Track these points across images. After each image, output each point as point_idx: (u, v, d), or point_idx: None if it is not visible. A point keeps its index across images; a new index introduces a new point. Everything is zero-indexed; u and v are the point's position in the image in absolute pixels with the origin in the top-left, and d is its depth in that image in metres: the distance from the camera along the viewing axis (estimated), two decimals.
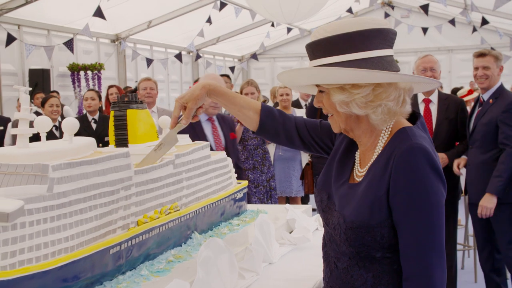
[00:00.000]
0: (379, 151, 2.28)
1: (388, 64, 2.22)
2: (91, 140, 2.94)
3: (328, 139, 2.67)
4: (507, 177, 5.62)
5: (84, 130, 7.78)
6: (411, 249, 2.14)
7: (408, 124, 2.31)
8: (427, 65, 6.17)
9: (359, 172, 2.36)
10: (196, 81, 7.59)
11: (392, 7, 18.92)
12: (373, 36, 2.21)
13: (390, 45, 2.27)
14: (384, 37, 2.23)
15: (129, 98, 3.26)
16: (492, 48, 14.94)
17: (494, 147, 5.76)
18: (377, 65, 2.20)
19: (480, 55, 5.93)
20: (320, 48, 2.27)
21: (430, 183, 2.12)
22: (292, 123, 2.75)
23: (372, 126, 2.31)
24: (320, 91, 2.36)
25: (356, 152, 2.43)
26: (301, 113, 8.95)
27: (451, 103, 6.22)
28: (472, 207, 6.06)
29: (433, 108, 6.21)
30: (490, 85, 5.89)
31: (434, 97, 6.24)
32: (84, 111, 8.51)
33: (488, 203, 5.67)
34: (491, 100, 5.87)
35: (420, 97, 6.27)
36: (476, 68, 5.95)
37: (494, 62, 5.85)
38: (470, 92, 11.14)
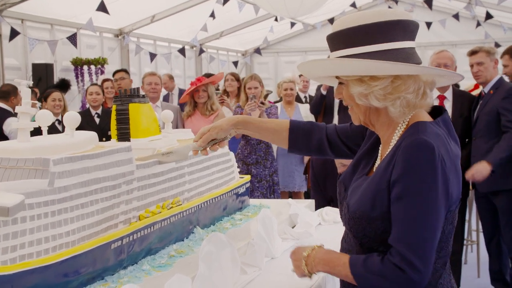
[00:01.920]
0: (393, 144, 2.27)
1: (408, 56, 2.21)
2: (93, 134, 2.93)
3: (361, 139, 2.65)
4: (506, 155, 5.65)
5: (87, 124, 7.76)
6: (393, 241, 2.11)
7: (426, 118, 2.28)
8: (441, 61, 6.20)
9: (376, 166, 2.37)
10: (198, 79, 7.55)
11: (396, 2, 18.82)
12: (393, 27, 2.20)
13: (411, 37, 2.26)
14: (404, 29, 2.22)
15: (131, 92, 3.25)
16: (496, 43, 14.91)
17: (497, 135, 5.81)
18: (396, 57, 2.19)
19: (473, 53, 6.11)
20: (339, 40, 2.27)
21: (426, 181, 2.08)
22: (323, 133, 2.77)
23: (390, 119, 2.30)
24: (340, 83, 2.36)
25: (380, 148, 2.44)
26: (304, 107, 8.93)
27: (465, 100, 6.23)
28: (480, 199, 6.08)
29: (448, 105, 6.21)
30: (488, 79, 6.02)
31: (449, 94, 6.24)
32: (88, 106, 8.50)
33: (482, 169, 5.66)
34: (491, 91, 5.99)
35: (435, 93, 6.25)
36: (471, 66, 6.11)
37: (487, 56, 6.00)
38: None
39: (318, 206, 5.09)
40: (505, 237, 6.06)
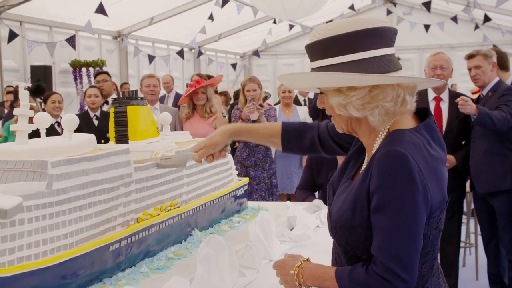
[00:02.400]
0: (374, 152, 2.26)
1: (386, 64, 2.19)
2: (91, 137, 2.93)
3: (351, 137, 2.64)
4: (492, 118, 5.59)
5: (86, 126, 7.74)
6: (375, 252, 2.12)
7: (407, 125, 2.26)
8: (437, 63, 6.22)
9: (361, 171, 2.37)
10: (197, 81, 7.54)
11: (395, 4, 18.86)
12: (369, 36, 2.18)
13: (389, 44, 2.24)
14: (381, 36, 2.20)
15: (129, 94, 3.25)
16: (494, 45, 14.92)
17: (496, 137, 5.84)
18: (374, 66, 2.17)
19: (470, 56, 6.14)
20: (317, 50, 2.26)
21: (403, 191, 2.08)
22: (314, 133, 2.79)
23: (371, 127, 2.28)
24: (321, 93, 2.35)
25: (365, 154, 2.43)
26: (302, 110, 8.92)
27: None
28: (477, 201, 6.10)
29: (444, 106, 6.23)
30: (486, 82, 6.05)
31: (445, 96, 6.25)
32: (86, 108, 8.50)
33: (471, 106, 5.61)
34: (489, 93, 6.02)
35: (431, 95, 6.27)
36: (469, 69, 6.14)
37: (484, 60, 6.02)
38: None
39: (305, 188, 5.10)
40: (503, 239, 6.06)
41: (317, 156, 4.92)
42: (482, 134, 5.92)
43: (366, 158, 2.40)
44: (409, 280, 2.08)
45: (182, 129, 7.47)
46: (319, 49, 2.24)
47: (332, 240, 2.50)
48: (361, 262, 2.19)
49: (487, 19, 14.09)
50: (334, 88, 2.23)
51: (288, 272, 2.38)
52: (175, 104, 9.31)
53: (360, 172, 2.35)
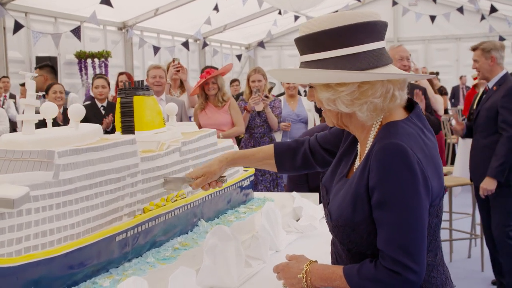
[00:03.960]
0: (369, 145, 2.25)
1: (376, 58, 2.18)
2: (97, 127, 2.93)
3: (340, 141, 2.65)
4: (505, 161, 5.75)
5: (94, 116, 7.79)
6: (382, 247, 2.12)
7: (399, 116, 2.26)
8: (403, 54, 6.33)
9: (356, 167, 2.36)
10: (207, 71, 7.55)
11: None
12: (359, 30, 2.16)
13: (379, 38, 2.22)
14: (371, 30, 2.18)
15: (135, 84, 3.25)
16: (500, 37, 14.86)
17: (496, 132, 5.89)
18: (364, 60, 2.15)
19: (472, 49, 6.21)
20: (306, 44, 2.25)
21: (404, 184, 2.08)
22: (306, 147, 2.82)
23: (362, 122, 2.28)
24: (311, 86, 2.37)
25: (358, 145, 2.42)
26: (307, 101, 8.90)
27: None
28: (477, 191, 6.13)
29: None
30: (486, 75, 6.10)
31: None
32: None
33: (488, 186, 5.85)
34: (494, 87, 6.04)
35: None
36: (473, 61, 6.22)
37: (482, 55, 6.07)
38: None
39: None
40: (494, 233, 6.10)
41: None
42: (483, 128, 6.00)
43: (359, 152, 2.39)
44: (419, 271, 2.09)
45: (197, 121, 7.48)
46: (309, 43, 2.23)
47: (332, 239, 2.50)
48: (368, 258, 2.19)
49: (493, 9, 14.02)
50: (323, 83, 2.22)
51: (294, 276, 2.37)
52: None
53: (355, 168, 2.35)
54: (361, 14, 2.19)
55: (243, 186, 3.95)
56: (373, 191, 2.13)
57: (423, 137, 2.22)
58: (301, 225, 3.69)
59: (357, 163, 2.37)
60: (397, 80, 2.21)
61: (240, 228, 3.39)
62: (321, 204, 4.13)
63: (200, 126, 6.80)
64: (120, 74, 9.90)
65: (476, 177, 6.11)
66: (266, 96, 7.65)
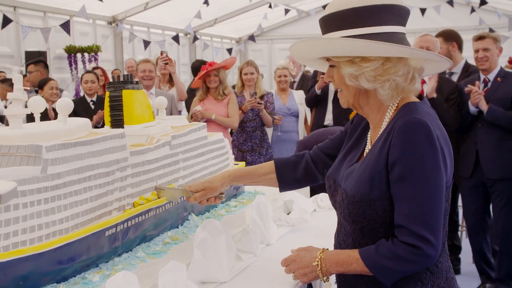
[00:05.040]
0: (384, 127, 2.29)
1: (399, 41, 2.24)
2: (86, 121, 2.90)
3: (341, 142, 2.68)
4: (502, 117, 5.81)
5: (84, 111, 7.79)
6: (402, 221, 2.14)
7: (415, 100, 2.31)
8: (423, 44, 6.24)
9: (366, 151, 2.38)
10: (210, 63, 7.50)
11: None
12: (385, 11, 2.22)
13: (402, 23, 2.28)
14: (395, 14, 2.24)
15: (124, 78, 3.22)
16: (490, 29, 14.88)
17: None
18: (388, 40, 2.20)
19: (480, 38, 6.10)
20: (332, 22, 2.29)
21: (427, 158, 2.12)
22: (307, 157, 2.85)
23: (380, 102, 2.33)
24: (331, 66, 2.38)
25: (368, 134, 2.46)
26: (298, 94, 8.89)
27: (444, 83, 6.22)
28: (474, 189, 6.10)
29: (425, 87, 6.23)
30: (492, 66, 6.05)
31: (427, 78, 6.24)
32: (82, 93, 8.48)
33: (482, 102, 5.83)
34: (499, 79, 6.00)
35: None
36: (476, 51, 6.11)
37: (494, 43, 6.03)
38: None
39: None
40: (500, 222, 6.09)
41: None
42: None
43: (369, 137, 2.41)
44: (436, 245, 2.13)
45: (178, 114, 7.47)
46: (335, 20, 2.27)
47: (335, 233, 2.51)
48: (383, 239, 2.21)
49: (483, 2, 14.03)
50: (347, 59, 2.26)
51: (308, 265, 2.39)
52: None
53: (367, 151, 2.36)
54: None
55: None
56: (393, 166, 2.16)
57: (437, 121, 2.28)
58: (292, 218, 3.68)
59: (367, 148, 2.40)
60: (416, 65, 2.28)
61: (231, 221, 3.38)
62: (312, 197, 4.15)
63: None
64: (95, 68, 9.95)
65: (488, 170, 6.01)
66: (260, 103, 7.66)
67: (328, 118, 8.04)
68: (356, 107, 2.41)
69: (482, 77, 6.10)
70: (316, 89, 8.03)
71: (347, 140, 2.60)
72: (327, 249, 2.40)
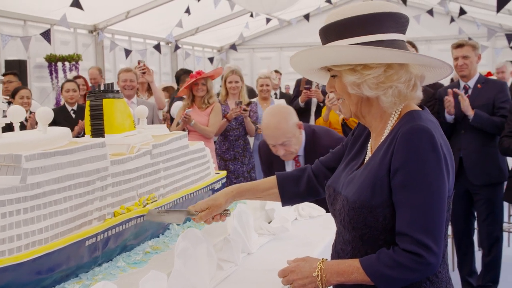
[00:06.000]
0: (386, 134, 2.30)
1: (400, 48, 2.25)
2: (66, 130, 2.90)
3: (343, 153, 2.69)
4: (487, 122, 5.84)
5: (65, 120, 7.74)
6: (404, 229, 2.13)
7: (417, 108, 2.33)
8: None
9: (367, 159, 2.38)
10: (198, 72, 7.47)
11: None
12: (385, 19, 2.24)
13: (402, 30, 2.30)
14: (396, 21, 2.26)
15: (105, 87, 3.22)
16: (469, 38, 15.01)
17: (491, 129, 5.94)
18: (390, 47, 2.21)
19: (459, 45, 6.16)
20: (332, 31, 2.29)
21: (430, 165, 2.13)
22: (309, 172, 2.84)
23: (382, 110, 2.33)
24: (332, 76, 2.38)
25: (369, 143, 2.46)
26: (279, 103, 8.91)
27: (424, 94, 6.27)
28: (456, 197, 6.13)
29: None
30: (471, 73, 6.12)
31: None
32: (62, 102, 8.44)
33: (468, 106, 5.85)
34: (479, 85, 6.07)
35: None
36: (456, 59, 6.17)
37: (472, 51, 6.09)
38: (489, 74, 11.70)
39: None
40: (483, 231, 6.14)
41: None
42: (474, 126, 5.95)
43: (370, 146, 2.42)
44: (438, 253, 2.13)
45: (159, 123, 7.45)
46: (336, 29, 2.28)
47: (333, 243, 2.50)
48: (384, 247, 2.20)
49: (462, 12, 14.17)
50: (349, 68, 2.26)
51: (307, 275, 2.35)
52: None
53: (367, 159, 2.38)
54: (388, 5, 2.27)
55: (215, 188, 3.94)
56: (396, 172, 2.16)
57: (440, 129, 2.29)
58: (273, 227, 3.68)
59: (368, 156, 2.41)
60: (417, 73, 2.29)
61: (212, 230, 3.38)
62: (294, 206, 4.15)
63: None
64: (77, 77, 9.86)
65: (473, 177, 6.03)
66: (245, 110, 7.66)
67: None
68: (358, 116, 2.41)
69: (462, 84, 6.15)
70: (300, 102, 8.05)
71: (348, 151, 2.59)
72: (326, 259, 2.39)
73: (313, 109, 8.05)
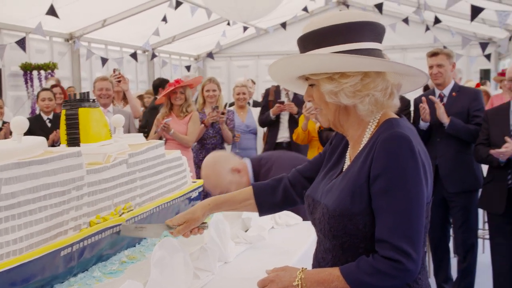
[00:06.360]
0: (365, 142, 2.32)
1: (378, 56, 2.27)
2: (42, 140, 2.88)
3: (321, 162, 2.69)
4: (463, 130, 5.91)
5: (40, 129, 7.68)
6: (383, 235, 2.15)
7: (395, 116, 2.35)
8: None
9: (345, 167, 2.39)
10: (177, 81, 7.44)
11: (347, 6, 19.05)
12: (362, 28, 2.26)
13: (378, 39, 2.33)
14: (372, 30, 2.29)
15: (81, 96, 3.21)
16: (444, 47, 15.16)
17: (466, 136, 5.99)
18: (367, 56, 2.24)
19: (433, 54, 6.23)
20: (311, 40, 2.31)
21: (409, 172, 2.14)
22: (285, 181, 2.84)
23: (360, 119, 2.35)
24: (310, 85, 2.40)
25: (347, 152, 2.47)
26: (256, 111, 8.93)
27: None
28: (449, 198, 6.16)
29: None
30: (446, 81, 6.19)
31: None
32: (38, 111, 8.37)
33: (444, 114, 5.91)
34: (454, 93, 6.14)
35: None
36: (431, 67, 6.23)
37: (447, 59, 6.15)
38: (478, 85, 11.97)
39: None
40: (459, 238, 6.19)
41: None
42: (450, 134, 6.00)
43: (348, 154, 2.43)
44: (417, 259, 2.14)
45: (136, 132, 7.42)
46: (314, 39, 2.30)
47: (314, 252, 2.50)
48: (364, 255, 2.21)
49: (437, 21, 14.28)
50: (326, 76, 2.28)
51: (288, 285, 2.32)
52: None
53: (346, 167, 2.39)
54: (364, 14, 2.31)
55: (192, 197, 3.93)
56: (375, 179, 2.17)
57: (418, 137, 2.31)
58: (249, 235, 3.68)
59: (346, 165, 2.42)
60: (394, 81, 2.31)
61: (189, 240, 3.36)
62: (270, 215, 4.15)
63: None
64: (53, 86, 9.77)
65: (449, 184, 6.08)
66: (223, 113, 7.66)
67: (283, 136, 8.07)
68: (336, 125, 2.42)
69: (438, 92, 6.21)
70: (271, 115, 8.05)
71: (327, 161, 2.60)
72: (306, 268, 2.39)
73: (285, 117, 8.04)
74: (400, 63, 2.32)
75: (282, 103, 7.86)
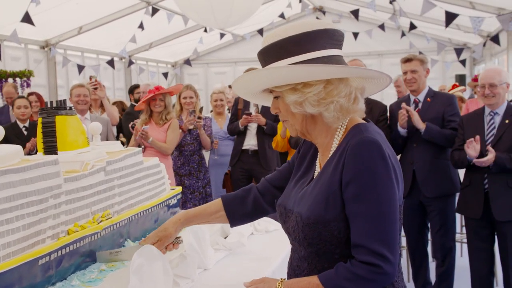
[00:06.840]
0: (334, 149, 2.32)
1: (338, 63, 2.28)
2: (18, 148, 2.85)
3: (290, 172, 2.69)
4: (437, 135, 5.95)
5: (16, 137, 7.62)
6: (359, 240, 2.15)
7: (362, 121, 2.36)
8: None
9: (316, 175, 2.39)
10: (157, 87, 7.40)
11: (324, 12, 19.18)
12: (320, 36, 2.26)
13: (338, 46, 2.33)
14: (330, 37, 2.29)
15: (57, 104, 3.18)
16: (420, 52, 15.30)
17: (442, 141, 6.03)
18: (327, 63, 2.24)
19: (407, 60, 6.26)
20: (270, 54, 2.32)
21: (380, 176, 2.15)
22: (254, 191, 2.83)
23: (327, 126, 2.36)
24: (275, 97, 2.41)
25: (317, 159, 2.48)
26: None
27: (374, 106, 6.36)
28: (410, 209, 6.18)
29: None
30: (420, 87, 6.20)
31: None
32: (14, 119, 8.30)
33: (418, 120, 5.95)
34: (429, 99, 6.17)
35: None
36: (405, 73, 6.27)
37: (420, 65, 6.18)
38: (454, 86, 12.08)
39: None
40: (437, 243, 6.22)
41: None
42: (427, 139, 6.04)
43: (318, 163, 2.43)
44: (394, 262, 2.14)
45: (114, 139, 7.38)
46: (273, 51, 2.30)
47: (288, 261, 2.50)
48: (341, 262, 2.21)
49: (412, 26, 14.42)
50: (289, 87, 2.29)
51: None
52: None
53: (316, 175, 2.38)
54: (321, 22, 2.31)
55: (170, 204, 3.92)
56: (347, 185, 2.18)
57: (387, 141, 2.32)
58: (229, 242, 3.67)
59: (317, 172, 2.42)
60: (357, 85, 2.32)
61: None
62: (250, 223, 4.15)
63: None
64: (30, 94, 9.70)
65: (426, 189, 6.10)
66: (199, 117, 7.64)
67: (249, 144, 8.03)
68: (305, 134, 2.43)
69: (412, 98, 6.25)
70: (240, 126, 8.04)
71: (297, 169, 2.60)
72: (285, 279, 2.39)
73: (253, 129, 8.01)
74: (359, 67, 2.33)
75: (250, 114, 7.83)
